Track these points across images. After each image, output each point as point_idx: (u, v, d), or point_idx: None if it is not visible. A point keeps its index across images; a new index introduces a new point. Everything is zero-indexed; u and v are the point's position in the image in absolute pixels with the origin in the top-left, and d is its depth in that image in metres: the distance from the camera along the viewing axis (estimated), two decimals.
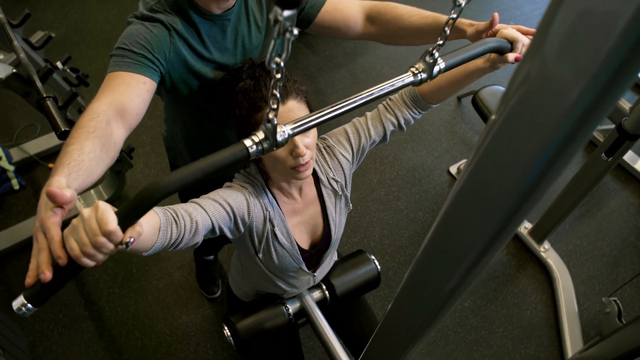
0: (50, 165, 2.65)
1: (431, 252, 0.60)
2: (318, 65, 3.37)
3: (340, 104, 0.76)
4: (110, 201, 2.51)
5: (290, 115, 1.05)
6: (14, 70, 1.77)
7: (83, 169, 0.80)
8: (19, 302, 0.68)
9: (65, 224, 0.70)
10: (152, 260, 2.32)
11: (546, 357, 2.25)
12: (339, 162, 1.26)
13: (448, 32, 0.79)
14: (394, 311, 0.76)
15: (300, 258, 1.27)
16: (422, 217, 2.66)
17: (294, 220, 1.24)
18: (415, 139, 2.99)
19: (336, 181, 1.26)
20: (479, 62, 1.07)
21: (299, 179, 1.10)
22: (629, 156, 2.95)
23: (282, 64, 0.54)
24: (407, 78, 0.83)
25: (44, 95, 1.65)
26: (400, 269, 2.44)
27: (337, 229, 1.31)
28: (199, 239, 1.01)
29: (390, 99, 1.25)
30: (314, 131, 1.11)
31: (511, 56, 1.02)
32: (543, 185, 0.43)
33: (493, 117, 0.43)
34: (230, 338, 1.37)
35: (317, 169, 1.25)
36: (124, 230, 0.66)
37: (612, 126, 1.92)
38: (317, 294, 1.46)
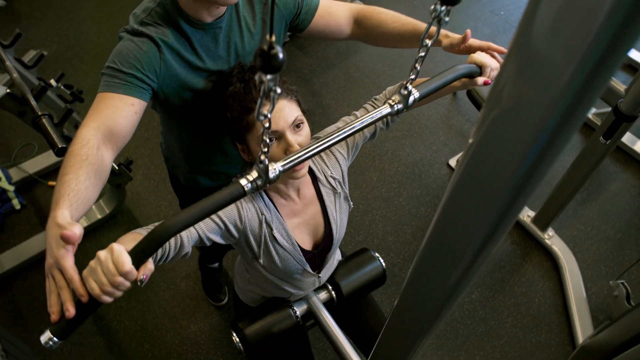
0: (50, 183, 2.65)
1: (434, 244, 0.60)
2: (311, 66, 3.37)
3: (325, 138, 0.84)
4: (111, 215, 2.51)
5: (281, 115, 1.05)
6: (8, 91, 1.77)
7: (81, 198, 0.87)
8: (46, 336, 0.77)
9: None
10: (157, 272, 2.32)
11: (557, 344, 2.24)
12: (335, 158, 1.27)
13: (419, 67, 0.86)
14: (400, 306, 0.75)
15: (304, 259, 1.27)
16: (424, 212, 2.66)
17: (294, 221, 1.24)
18: (413, 134, 2.99)
19: (334, 178, 1.26)
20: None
21: (295, 178, 1.10)
22: (627, 138, 2.94)
23: (269, 115, 0.61)
24: (385, 110, 0.90)
25: (39, 113, 1.66)
26: (405, 265, 2.44)
27: (339, 228, 1.31)
28: (187, 250, 1.03)
29: (376, 99, 1.28)
30: (307, 129, 1.11)
31: (480, 80, 1.11)
32: (540, 170, 0.42)
33: (485, 106, 0.43)
34: (239, 344, 1.36)
35: (314, 167, 1.25)
36: (137, 268, 0.73)
37: (609, 109, 1.92)
38: (323, 295, 1.46)
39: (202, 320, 2.25)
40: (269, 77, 0.53)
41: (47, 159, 2.70)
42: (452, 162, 2.86)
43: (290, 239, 1.22)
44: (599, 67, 0.33)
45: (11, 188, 2.53)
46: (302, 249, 1.26)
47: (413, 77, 0.86)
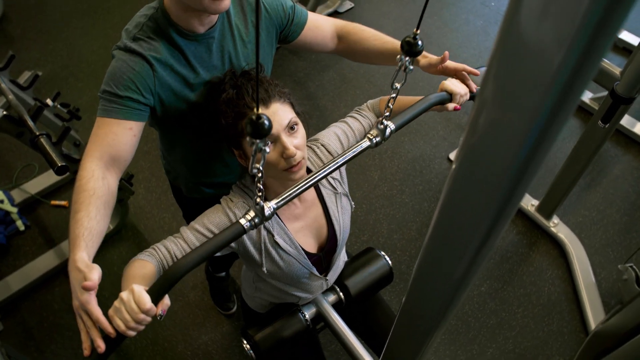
0: (53, 202, 2.65)
1: (437, 238, 0.60)
2: (306, 70, 3.38)
3: (313, 175, 0.95)
4: (115, 230, 2.51)
5: (275, 118, 1.06)
6: (5, 113, 1.78)
7: (94, 233, 0.98)
8: None
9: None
10: None
11: (569, 331, 2.23)
12: (333, 157, 1.27)
13: (392, 106, 0.97)
14: (409, 302, 0.75)
15: (310, 263, 1.27)
16: (427, 208, 2.65)
17: (296, 225, 1.24)
18: (412, 131, 2.99)
19: (334, 178, 1.26)
20: None
21: (293, 180, 1.10)
22: (626, 121, 2.94)
23: (261, 168, 0.74)
24: (365, 143, 1.00)
25: (37, 133, 1.66)
26: (412, 262, 2.43)
27: (342, 229, 1.31)
28: None
29: (360, 109, 1.34)
30: (302, 131, 1.11)
31: (450, 106, 1.22)
32: (538, 155, 0.42)
33: (479, 97, 0.43)
34: (251, 351, 1.36)
35: (313, 169, 1.25)
36: (156, 303, 0.84)
37: (605, 93, 1.91)
38: (331, 297, 1.46)
39: (213, 330, 2.24)
40: (258, 141, 0.66)
41: (48, 178, 2.70)
42: (453, 155, 2.86)
43: (293, 243, 1.22)
44: (589, 49, 0.33)
45: (14, 210, 2.53)
46: (307, 253, 1.26)
47: (388, 113, 0.98)
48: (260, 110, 1.06)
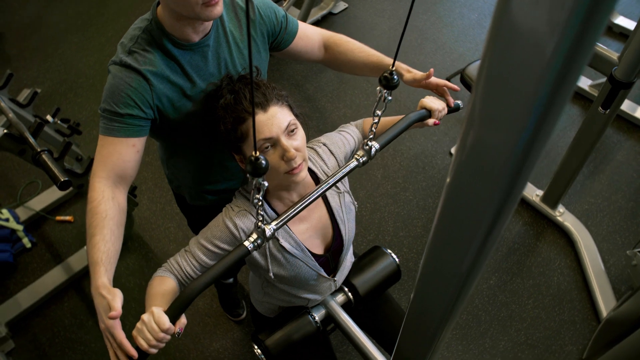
0: (58, 218, 2.66)
1: (442, 232, 0.60)
2: (303, 72, 3.38)
3: (308, 196, 1.05)
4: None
5: (274, 122, 1.06)
6: (6, 131, 1.78)
7: (111, 255, 1.06)
8: None
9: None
10: None
11: (581, 320, 2.22)
12: (335, 157, 1.28)
13: (375, 130, 1.09)
14: (417, 298, 0.75)
15: (317, 264, 1.27)
16: (432, 204, 2.65)
17: (301, 227, 1.24)
18: (412, 128, 2.98)
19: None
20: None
21: (295, 182, 1.10)
22: (627, 106, 2.92)
23: (261, 197, 0.89)
24: (353, 163, 1.10)
25: (39, 150, 1.67)
26: (419, 259, 2.43)
27: (348, 228, 1.31)
28: None
29: (347, 125, 1.39)
30: (302, 133, 1.12)
31: (430, 121, 1.30)
32: (539, 142, 0.42)
33: (475, 88, 0.43)
34: (262, 356, 1.36)
35: (315, 169, 1.25)
36: (174, 323, 0.94)
37: (604, 79, 1.91)
38: (340, 298, 1.45)
39: (224, 337, 2.24)
40: (256, 179, 0.81)
41: (52, 194, 2.71)
42: (454, 150, 2.85)
43: (299, 246, 1.22)
44: (582, 34, 0.33)
45: (20, 227, 2.54)
46: (313, 254, 1.26)
47: (371, 135, 1.09)
48: (259, 114, 1.08)
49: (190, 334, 2.24)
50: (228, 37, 1.25)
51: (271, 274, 1.21)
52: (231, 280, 2.19)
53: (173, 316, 0.95)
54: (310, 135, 1.17)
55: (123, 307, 0.98)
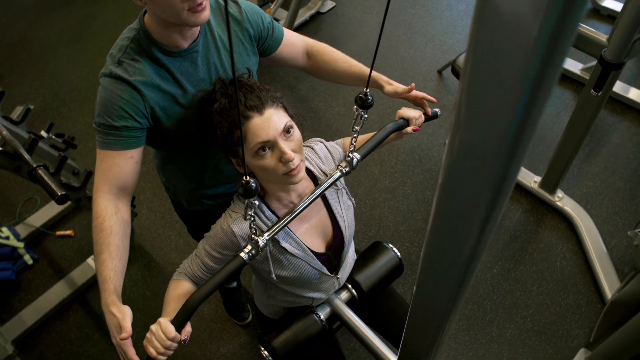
0: (58, 233, 2.66)
1: (440, 222, 0.59)
2: (295, 73, 3.38)
3: (296, 208, 1.14)
4: None
5: (270, 124, 1.06)
6: (0, 149, 1.78)
7: (119, 270, 1.12)
8: None
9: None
10: None
11: (586, 303, 2.23)
12: (332, 155, 1.28)
13: (355, 142, 1.18)
14: (420, 289, 0.75)
15: (319, 263, 1.27)
16: (431, 197, 2.65)
17: (301, 227, 1.24)
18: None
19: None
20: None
21: (294, 183, 1.10)
22: (620, 87, 2.93)
23: (253, 214, 1.01)
24: (337, 174, 1.19)
25: (34, 165, 1.66)
26: (421, 252, 2.43)
27: (348, 225, 1.31)
28: None
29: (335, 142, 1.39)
30: (298, 134, 1.12)
31: (409, 129, 1.34)
32: (530, 124, 0.42)
33: (462, 78, 0.43)
34: (270, 358, 1.36)
35: (312, 168, 1.26)
36: (179, 332, 1.01)
37: (595, 62, 1.91)
38: (344, 295, 1.45)
39: (231, 342, 2.24)
40: (247, 199, 0.92)
41: (51, 209, 2.71)
42: (447, 141, 2.85)
43: (300, 246, 1.22)
44: (565, 14, 0.33)
45: (21, 245, 2.54)
46: (315, 253, 1.26)
47: (352, 148, 1.18)
48: (255, 117, 1.08)
49: (197, 340, 2.24)
50: (217, 41, 1.24)
51: (274, 276, 1.21)
52: (234, 284, 2.18)
53: (178, 325, 1.01)
54: (305, 136, 1.17)
55: (135, 330, 1.05)
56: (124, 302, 1.10)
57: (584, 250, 2.36)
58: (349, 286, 1.45)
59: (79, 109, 3.34)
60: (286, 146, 1.07)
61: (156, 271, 2.49)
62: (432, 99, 1.39)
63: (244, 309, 2.27)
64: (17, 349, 2.24)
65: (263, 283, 1.39)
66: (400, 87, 1.37)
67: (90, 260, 2.48)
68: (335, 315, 1.44)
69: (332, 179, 1.17)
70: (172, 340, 0.99)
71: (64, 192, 1.59)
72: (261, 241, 1.05)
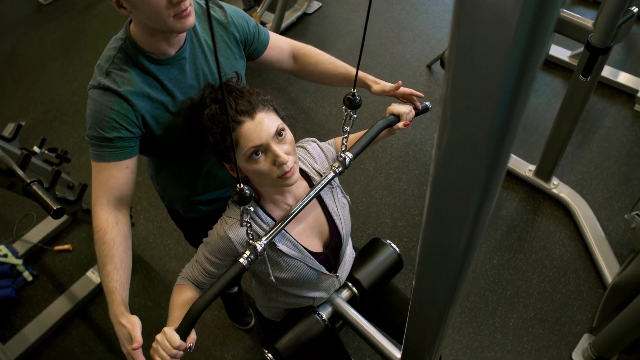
0: (57, 247, 2.65)
1: (434, 212, 0.60)
2: (284, 76, 3.38)
3: (292, 211, 1.14)
4: None
5: (262, 128, 1.06)
6: None
7: (124, 281, 1.13)
8: None
9: None
10: None
11: (587, 289, 2.23)
12: (325, 154, 1.28)
13: (346, 142, 1.20)
14: (419, 283, 0.75)
15: (317, 262, 1.27)
16: (426, 191, 2.65)
17: (298, 228, 1.24)
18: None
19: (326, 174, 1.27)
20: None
21: (288, 185, 1.11)
22: (609, 72, 2.94)
23: (249, 220, 1.04)
24: (331, 174, 1.18)
25: (28, 181, 1.66)
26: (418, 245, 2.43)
27: (344, 223, 1.31)
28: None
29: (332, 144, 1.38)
30: (290, 136, 1.12)
31: (400, 124, 1.33)
32: (517, 110, 0.42)
33: (448, 68, 0.43)
34: None
35: (306, 169, 1.26)
36: (184, 340, 1.03)
37: (583, 48, 1.92)
38: (345, 294, 1.45)
39: (235, 347, 2.24)
40: (243, 206, 0.95)
41: (48, 225, 2.70)
42: (436, 135, 2.86)
43: (297, 247, 1.22)
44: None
45: (19, 262, 2.53)
46: (312, 253, 1.26)
47: (343, 148, 1.20)
48: (246, 121, 1.08)
49: (201, 347, 2.24)
50: (203, 47, 1.24)
51: (272, 278, 1.21)
52: (235, 289, 2.18)
53: (183, 333, 1.03)
54: (297, 137, 1.18)
55: None
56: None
57: (582, 236, 2.37)
58: (350, 284, 1.45)
59: (71, 122, 3.33)
60: (279, 149, 1.07)
61: (157, 281, 2.49)
62: (420, 94, 1.40)
63: (246, 314, 2.27)
64: None
65: (263, 286, 1.39)
66: (387, 85, 1.38)
67: (90, 273, 2.47)
68: (337, 314, 1.44)
69: (326, 180, 1.16)
70: (177, 348, 1.00)
71: (59, 206, 1.59)
72: (259, 246, 1.06)
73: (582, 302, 2.20)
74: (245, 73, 1.36)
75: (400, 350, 1.29)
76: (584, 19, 2.06)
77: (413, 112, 1.37)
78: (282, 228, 1.11)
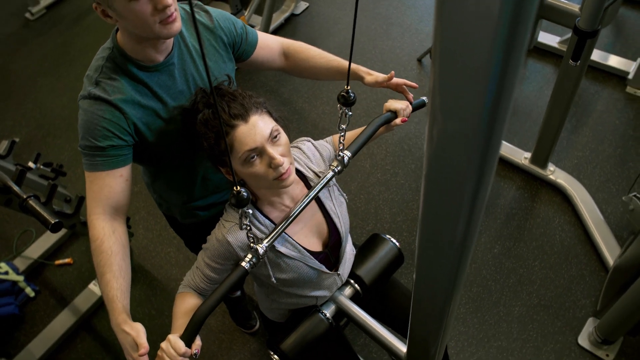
0: (57, 262, 2.64)
1: (430, 202, 0.60)
2: (276, 77, 3.38)
3: (292, 212, 1.12)
4: None
5: (257, 131, 1.06)
6: None
7: (125, 289, 1.12)
8: None
9: None
10: None
11: (589, 272, 2.24)
12: (320, 154, 1.28)
13: (343, 141, 1.17)
14: (420, 274, 0.75)
15: (317, 262, 1.27)
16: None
17: (296, 228, 1.24)
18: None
19: (323, 173, 1.27)
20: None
21: (285, 187, 1.11)
22: (599, 56, 2.95)
23: (249, 224, 0.99)
24: (330, 174, 1.17)
25: (24, 197, 1.65)
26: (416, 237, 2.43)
27: (342, 221, 1.31)
28: None
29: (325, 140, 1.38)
30: (285, 138, 1.12)
31: (398, 120, 1.33)
32: (505, 97, 0.42)
33: (434, 60, 0.43)
34: None
35: (301, 168, 1.26)
36: (189, 346, 1.01)
37: (571, 33, 1.92)
38: (348, 291, 1.45)
39: (241, 351, 2.24)
40: (241, 209, 0.93)
41: (47, 240, 2.69)
42: (427, 127, 2.86)
43: (296, 247, 1.22)
44: None
45: (20, 278, 2.52)
46: (312, 252, 1.25)
47: (341, 147, 1.17)
48: (240, 125, 1.08)
49: (207, 353, 2.24)
50: (191, 52, 1.24)
51: (273, 280, 1.21)
52: (238, 293, 2.18)
53: (188, 340, 1.02)
54: (291, 138, 1.17)
55: None
56: None
57: (581, 220, 2.37)
58: (352, 281, 1.45)
59: (64, 136, 3.32)
60: (274, 151, 1.07)
61: (159, 289, 2.49)
62: (413, 84, 1.40)
63: (250, 317, 2.27)
64: None
65: (265, 288, 1.39)
66: (380, 76, 1.38)
67: (92, 286, 2.46)
68: (341, 312, 1.44)
69: (325, 180, 1.16)
70: (182, 355, 0.99)
71: (57, 220, 1.58)
72: (261, 249, 1.05)
73: (585, 287, 2.20)
74: (236, 76, 1.36)
75: (405, 344, 1.30)
76: (570, 3, 2.06)
77: (410, 108, 1.37)
78: (283, 230, 1.10)
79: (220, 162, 1.14)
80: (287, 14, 3.70)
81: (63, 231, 2.67)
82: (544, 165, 2.50)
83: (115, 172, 1.16)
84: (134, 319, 1.10)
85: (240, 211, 0.95)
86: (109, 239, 1.14)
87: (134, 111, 1.16)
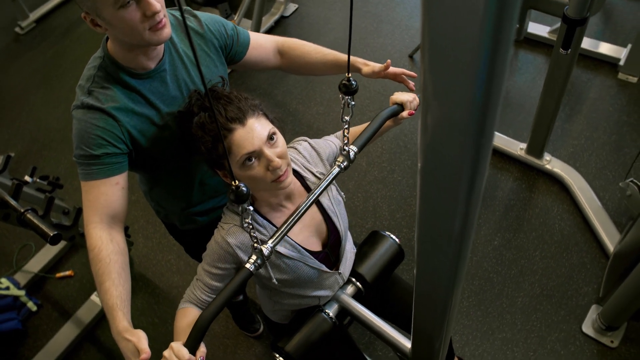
0: (58, 275, 2.63)
1: (427, 196, 0.60)
2: (268, 80, 3.38)
3: (297, 211, 1.07)
4: None
5: (254, 134, 1.05)
6: None
7: (125, 297, 1.10)
8: None
9: None
10: None
11: (590, 260, 2.24)
12: (317, 153, 1.28)
13: (348, 135, 1.13)
14: (420, 269, 0.75)
15: (317, 261, 1.26)
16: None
17: (295, 229, 1.23)
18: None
19: (321, 173, 1.27)
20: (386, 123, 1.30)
21: (283, 188, 1.10)
22: (590, 44, 2.96)
23: (250, 221, 0.97)
24: (336, 170, 1.13)
25: (22, 210, 1.65)
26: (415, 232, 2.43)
27: (341, 220, 1.31)
28: None
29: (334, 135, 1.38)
30: (281, 139, 1.12)
31: (405, 113, 1.31)
32: (495, 86, 0.42)
33: (422, 54, 0.43)
34: None
35: (298, 168, 1.25)
36: (193, 354, 0.98)
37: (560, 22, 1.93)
38: (350, 289, 1.45)
39: (246, 355, 2.23)
40: (240, 205, 0.89)
41: (47, 253, 2.68)
42: (420, 121, 2.86)
43: (295, 248, 1.22)
44: None
45: (22, 293, 2.51)
46: (311, 252, 1.25)
47: (346, 141, 1.14)
48: (238, 129, 1.08)
49: (212, 359, 2.23)
50: (182, 57, 1.24)
51: (274, 281, 1.21)
52: (241, 297, 2.18)
53: (191, 347, 0.99)
54: (287, 138, 1.17)
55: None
56: None
57: (580, 208, 2.38)
58: (353, 280, 1.44)
59: (59, 148, 3.32)
60: (272, 153, 1.07)
61: (162, 297, 2.48)
62: (413, 73, 1.38)
63: (254, 321, 2.27)
64: None
65: (267, 290, 1.38)
66: (377, 66, 1.38)
67: (94, 297, 2.46)
68: (344, 311, 1.44)
69: (331, 176, 1.12)
70: None
71: (56, 232, 1.58)
72: (266, 250, 1.01)
73: (587, 274, 2.21)
74: (229, 79, 1.36)
75: (410, 339, 1.30)
76: None
77: (417, 100, 1.34)
78: (288, 230, 1.06)
79: (217, 165, 1.14)
80: (276, 17, 3.71)
81: (63, 244, 2.67)
82: (540, 155, 2.50)
83: (111, 180, 1.16)
84: (137, 328, 1.08)
85: (240, 208, 0.92)
86: (107, 247, 1.13)
87: (127, 119, 1.16)
